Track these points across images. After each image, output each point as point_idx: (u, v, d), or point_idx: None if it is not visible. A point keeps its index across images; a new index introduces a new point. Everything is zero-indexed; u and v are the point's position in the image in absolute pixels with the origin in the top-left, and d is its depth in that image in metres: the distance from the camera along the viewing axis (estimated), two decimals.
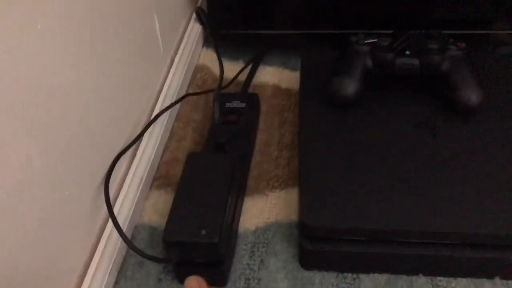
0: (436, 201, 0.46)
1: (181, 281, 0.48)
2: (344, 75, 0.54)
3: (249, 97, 0.62)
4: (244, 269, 0.49)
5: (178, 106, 0.66)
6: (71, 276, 0.44)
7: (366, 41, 0.55)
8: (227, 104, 0.60)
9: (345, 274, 0.48)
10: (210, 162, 0.50)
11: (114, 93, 0.50)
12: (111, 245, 0.48)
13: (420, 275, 0.47)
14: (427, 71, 0.54)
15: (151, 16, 0.60)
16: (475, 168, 0.48)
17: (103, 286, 0.46)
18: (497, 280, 0.47)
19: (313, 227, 0.46)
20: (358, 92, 0.54)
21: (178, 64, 0.67)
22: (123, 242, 0.48)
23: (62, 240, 0.42)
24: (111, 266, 0.47)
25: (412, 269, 0.47)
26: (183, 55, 0.69)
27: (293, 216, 0.53)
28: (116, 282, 0.48)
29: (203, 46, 0.77)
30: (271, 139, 0.62)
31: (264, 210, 0.54)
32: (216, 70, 0.71)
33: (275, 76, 0.71)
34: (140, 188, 0.54)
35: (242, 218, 0.53)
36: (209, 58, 0.74)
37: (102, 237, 0.48)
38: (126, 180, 0.53)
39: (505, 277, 0.47)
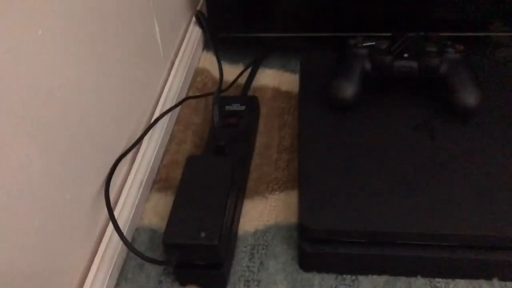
0: (435, 203, 0.46)
1: (181, 283, 0.48)
2: (342, 78, 0.54)
3: (248, 100, 0.63)
4: (243, 271, 0.49)
5: (178, 109, 0.66)
6: (72, 279, 0.45)
7: (364, 44, 0.55)
8: (226, 107, 0.61)
9: (344, 275, 0.48)
10: (209, 165, 0.51)
11: (114, 96, 0.51)
12: (111, 247, 0.48)
13: (419, 276, 0.48)
14: (426, 74, 0.54)
15: (151, 19, 0.60)
16: (473, 170, 0.49)
17: None
18: (495, 281, 0.47)
19: (313, 229, 0.46)
20: (357, 94, 0.54)
21: (178, 67, 0.68)
22: (124, 244, 0.48)
23: (63, 243, 0.43)
24: (111, 268, 0.48)
25: (410, 271, 0.48)
26: (183, 58, 0.69)
27: (293, 219, 0.53)
28: (117, 284, 0.49)
29: (203, 49, 0.77)
30: (271, 141, 0.62)
31: (264, 212, 0.54)
32: (216, 73, 0.72)
33: (275, 79, 0.71)
34: (140, 191, 0.54)
35: (241, 221, 0.54)
36: (209, 61, 0.75)
37: (103, 240, 0.48)
38: (127, 183, 0.53)
39: (503, 278, 0.47)
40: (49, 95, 0.39)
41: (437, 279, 0.48)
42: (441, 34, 0.56)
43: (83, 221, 0.46)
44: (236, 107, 0.61)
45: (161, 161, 0.60)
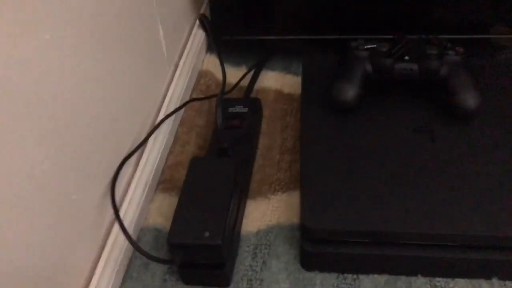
0: (435, 203, 0.47)
1: (185, 282, 0.49)
2: (344, 81, 0.55)
3: (251, 102, 0.63)
4: (246, 270, 0.50)
5: (182, 111, 0.67)
6: (78, 277, 0.45)
7: (365, 47, 0.56)
8: (230, 109, 0.61)
9: (346, 275, 0.49)
10: (213, 166, 0.52)
11: (120, 99, 0.52)
12: (117, 247, 0.49)
13: (419, 275, 0.48)
14: (426, 76, 0.54)
15: (155, 23, 0.61)
16: (473, 171, 0.49)
17: (110, 286, 0.47)
18: (495, 280, 0.48)
19: (314, 230, 0.46)
20: (358, 97, 0.55)
21: (182, 70, 0.68)
22: (129, 244, 0.49)
23: (70, 242, 0.43)
24: (117, 267, 0.48)
25: (411, 270, 0.48)
26: (186, 61, 0.70)
27: (295, 219, 0.54)
28: (123, 283, 0.50)
29: (206, 52, 0.78)
30: (273, 143, 0.63)
31: (266, 213, 0.55)
32: (219, 76, 0.72)
33: (278, 81, 0.72)
34: (145, 191, 0.55)
35: (244, 221, 0.54)
36: (212, 63, 0.75)
37: (109, 239, 0.49)
38: (132, 184, 0.54)
39: (502, 278, 0.48)
40: (57, 98, 0.40)
41: (437, 279, 0.48)
42: (442, 36, 0.57)
43: (89, 221, 0.47)
44: (239, 109, 0.61)
45: (166, 162, 0.61)
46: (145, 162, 0.56)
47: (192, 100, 0.67)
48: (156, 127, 0.59)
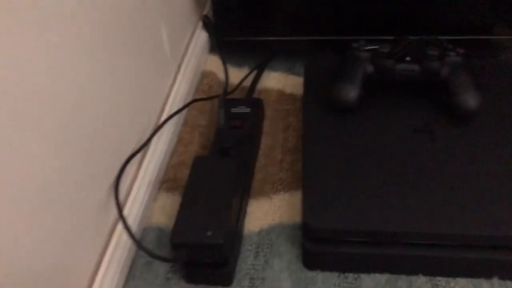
0: (435, 203, 0.47)
1: (188, 280, 0.49)
2: (345, 81, 0.55)
3: (254, 102, 0.64)
4: (249, 269, 0.50)
5: (185, 111, 0.67)
6: (82, 276, 0.46)
7: (367, 48, 0.56)
8: (232, 109, 0.62)
9: (347, 274, 0.49)
10: (216, 166, 0.52)
11: (124, 99, 0.52)
12: (121, 246, 0.50)
13: (420, 275, 0.49)
14: (427, 77, 0.55)
15: (158, 25, 0.61)
16: (473, 172, 0.50)
17: (114, 285, 0.48)
18: (495, 280, 0.48)
19: (316, 229, 0.47)
20: (359, 97, 0.55)
21: (185, 70, 0.69)
22: (132, 243, 0.49)
23: (74, 241, 0.44)
24: (121, 266, 0.49)
25: (411, 269, 0.49)
26: (190, 61, 0.70)
27: (297, 218, 0.54)
28: (126, 281, 0.50)
29: (209, 52, 0.79)
30: (275, 143, 0.63)
31: (269, 212, 0.55)
32: (222, 76, 0.73)
33: (280, 82, 0.73)
34: (149, 191, 0.56)
35: (247, 220, 0.55)
36: (215, 64, 0.76)
37: (112, 238, 0.50)
38: (135, 183, 0.55)
39: (502, 277, 0.48)
40: (62, 98, 0.40)
41: (438, 278, 0.48)
42: (443, 37, 0.57)
43: (93, 219, 0.47)
44: (241, 109, 0.62)
45: (169, 162, 0.62)
46: (149, 162, 0.57)
47: (195, 100, 0.68)
48: (159, 127, 0.60)
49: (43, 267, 0.40)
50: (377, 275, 0.49)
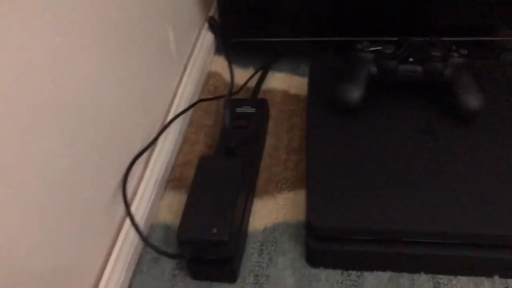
0: (437, 202, 0.48)
1: (194, 277, 0.50)
2: (349, 82, 0.56)
3: (258, 103, 0.64)
4: (253, 266, 0.51)
5: (191, 111, 0.68)
6: (91, 271, 0.47)
7: (370, 49, 0.57)
8: (237, 109, 0.62)
9: (350, 271, 0.50)
10: (221, 165, 0.53)
11: (132, 99, 0.53)
12: (128, 242, 0.50)
13: (422, 273, 0.49)
14: (430, 78, 0.55)
15: (165, 26, 0.62)
16: (475, 171, 0.50)
17: (121, 281, 0.49)
18: (496, 278, 0.49)
19: (320, 227, 0.48)
20: (363, 98, 0.55)
21: (191, 71, 0.70)
22: (140, 239, 0.50)
23: (82, 238, 0.45)
24: (128, 262, 0.50)
25: (413, 267, 0.49)
26: (196, 62, 0.71)
27: (301, 217, 0.55)
28: (133, 277, 0.51)
29: (215, 53, 0.79)
30: (280, 143, 0.64)
31: (273, 210, 0.56)
32: (227, 77, 0.74)
33: (285, 82, 0.73)
34: (156, 189, 0.56)
35: (251, 219, 0.55)
36: (220, 65, 0.77)
37: (120, 235, 0.51)
38: (143, 181, 0.55)
39: (503, 275, 0.48)
40: (73, 98, 0.41)
41: (439, 276, 0.49)
42: (446, 38, 0.57)
43: (101, 217, 0.48)
44: (246, 109, 0.62)
45: (175, 161, 0.63)
46: (155, 161, 0.58)
47: (200, 100, 0.68)
48: (166, 127, 0.60)
49: (52, 263, 0.41)
50: (379, 273, 0.50)
